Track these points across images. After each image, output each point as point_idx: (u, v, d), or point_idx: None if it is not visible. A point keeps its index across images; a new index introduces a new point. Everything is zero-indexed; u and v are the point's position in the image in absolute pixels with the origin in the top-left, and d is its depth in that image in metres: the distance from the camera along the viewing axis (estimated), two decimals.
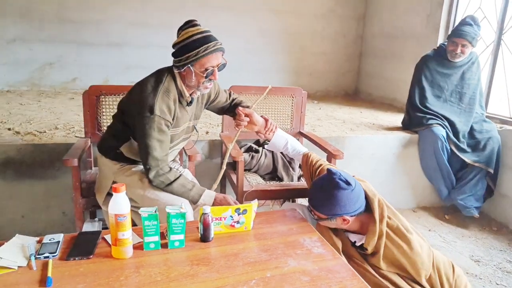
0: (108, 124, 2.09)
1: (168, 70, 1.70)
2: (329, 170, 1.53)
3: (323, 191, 1.50)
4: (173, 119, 1.69)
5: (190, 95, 1.74)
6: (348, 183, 1.47)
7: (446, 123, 3.02)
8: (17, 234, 1.33)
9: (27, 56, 4.27)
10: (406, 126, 3.31)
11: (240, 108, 1.87)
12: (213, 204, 1.69)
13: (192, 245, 1.37)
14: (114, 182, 1.78)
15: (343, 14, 5.16)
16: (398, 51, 4.58)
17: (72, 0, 4.25)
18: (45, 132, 2.67)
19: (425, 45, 4.00)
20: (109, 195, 1.80)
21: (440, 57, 3.10)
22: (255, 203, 1.48)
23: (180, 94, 1.70)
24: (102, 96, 2.21)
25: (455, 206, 3.10)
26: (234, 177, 2.24)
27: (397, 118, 3.80)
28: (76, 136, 2.59)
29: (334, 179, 1.48)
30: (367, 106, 4.60)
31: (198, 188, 1.71)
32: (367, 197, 1.53)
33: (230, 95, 2.05)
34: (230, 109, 2.04)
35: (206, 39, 1.59)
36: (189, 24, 1.63)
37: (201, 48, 1.58)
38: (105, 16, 4.38)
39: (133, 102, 1.66)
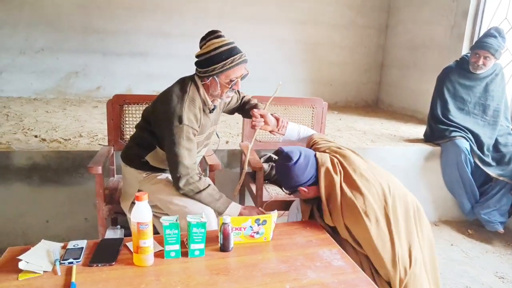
0: (131, 132, 2.13)
1: (191, 79, 1.73)
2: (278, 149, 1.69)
3: (277, 170, 1.69)
4: (198, 127, 1.72)
5: (212, 102, 1.77)
6: (289, 158, 1.60)
7: (470, 136, 2.96)
8: (42, 240, 1.37)
9: (53, 65, 4.41)
10: (428, 138, 3.25)
11: (254, 110, 1.86)
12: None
13: (211, 255, 1.37)
14: (139, 191, 1.81)
15: (363, 25, 5.14)
16: (421, 62, 4.52)
17: (97, 11, 4.39)
18: (69, 139, 2.75)
19: (449, 56, 3.94)
20: (134, 203, 1.83)
21: (463, 69, 3.05)
22: (274, 214, 1.48)
23: (204, 103, 1.73)
24: (126, 105, 2.26)
25: (478, 220, 3.02)
26: (253, 187, 2.24)
27: (419, 130, 3.75)
28: (99, 144, 2.66)
29: (280, 157, 1.66)
30: (388, 117, 4.55)
31: (225, 200, 1.73)
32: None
33: (239, 94, 2.07)
34: (241, 108, 2.07)
35: (232, 51, 1.62)
36: (214, 35, 1.64)
37: (228, 60, 1.61)
38: (129, 26, 4.49)
39: (159, 112, 1.69)
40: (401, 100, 4.91)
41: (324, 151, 1.73)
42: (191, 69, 1.76)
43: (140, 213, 1.26)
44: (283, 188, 1.72)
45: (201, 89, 1.71)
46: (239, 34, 4.76)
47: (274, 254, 1.40)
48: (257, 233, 1.46)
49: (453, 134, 2.98)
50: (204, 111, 1.74)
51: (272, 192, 2.25)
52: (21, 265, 1.20)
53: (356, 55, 5.23)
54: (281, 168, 1.65)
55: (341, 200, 1.54)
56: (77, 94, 4.55)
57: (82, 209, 2.50)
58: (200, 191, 1.68)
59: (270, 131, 1.92)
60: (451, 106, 3.08)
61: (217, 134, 1.97)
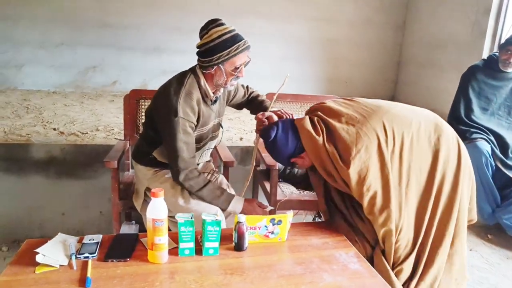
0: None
1: (190, 71, 1.73)
2: None
3: (266, 150, 1.65)
4: (198, 120, 1.71)
5: (214, 93, 1.76)
6: (267, 136, 1.57)
7: (492, 138, 2.87)
8: (59, 233, 1.38)
9: (72, 59, 4.47)
10: None
11: (259, 115, 1.80)
12: (241, 212, 1.70)
13: (226, 254, 1.36)
14: (148, 188, 1.83)
15: (381, 22, 5.06)
16: (440, 60, 4.42)
17: (114, 6, 4.42)
18: (87, 133, 2.78)
19: (470, 54, 3.84)
20: (145, 201, 1.86)
21: (490, 68, 2.96)
22: (290, 214, 1.45)
23: (205, 94, 1.73)
24: (142, 100, 2.27)
25: (498, 225, 2.93)
26: (267, 185, 2.23)
27: None
28: (115, 138, 2.67)
29: (261, 137, 1.65)
30: None
31: (227, 195, 1.72)
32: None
33: (247, 89, 2.06)
34: (249, 103, 2.05)
35: (236, 38, 1.63)
36: (215, 23, 1.64)
37: (233, 47, 1.61)
38: (145, 21, 4.52)
39: (157, 107, 1.71)
40: (418, 99, 4.82)
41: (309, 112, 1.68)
42: None
43: (156, 210, 1.25)
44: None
45: (202, 80, 1.70)
46: (254, 31, 4.75)
47: (290, 255, 1.38)
48: (272, 233, 1.44)
49: (474, 136, 2.90)
50: (206, 102, 1.74)
51: (287, 191, 2.23)
52: (38, 258, 1.21)
53: (372, 53, 5.15)
54: (267, 147, 1.63)
55: (329, 157, 1.48)
56: (94, 88, 4.60)
57: (97, 202, 2.52)
58: (201, 188, 1.67)
59: None
60: (475, 106, 2.99)
61: (221, 125, 1.96)
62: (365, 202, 1.44)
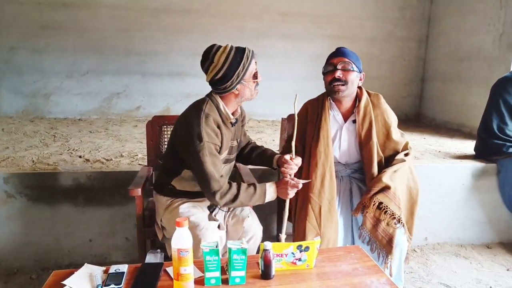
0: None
1: (208, 98, 1.76)
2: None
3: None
4: (222, 143, 1.72)
5: (233, 114, 1.79)
6: None
7: None
8: (85, 264, 1.38)
9: (97, 86, 4.61)
10: (481, 154, 3.05)
11: (286, 161, 1.78)
12: (278, 193, 1.73)
13: (252, 282, 1.32)
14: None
15: (403, 37, 5.02)
16: (466, 73, 4.32)
17: (139, 33, 4.56)
18: (111, 159, 2.82)
19: (497, 67, 3.74)
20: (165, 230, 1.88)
21: None
22: (317, 240, 1.41)
23: (225, 118, 1.75)
24: (165, 126, 2.29)
25: None
26: None
27: (466, 145, 3.55)
28: (139, 164, 2.70)
29: None
30: (430, 132, 4.36)
31: (260, 189, 1.72)
32: None
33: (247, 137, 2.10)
34: (246, 154, 2.05)
35: (240, 50, 1.69)
36: (214, 49, 1.69)
37: (244, 59, 1.66)
38: (168, 47, 4.63)
39: (180, 136, 1.72)
40: (445, 114, 4.70)
41: None
42: None
43: (181, 239, 1.24)
44: (351, 67, 2.13)
45: (221, 105, 1.74)
46: (277, 52, 4.80)
47: (319, 283, 1.33)
48: (300, 260, 1.40)
49: (511, 150, 2.78)
50: (226, 125, 1.76)
51: None
52: None
53: (394, 68, 5.10)
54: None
55: None
56: (118, 114, 4.71)
57: (123, 228, 2.53)
58: (237, 195, 1.67)
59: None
60: (508, 119, 2.88)
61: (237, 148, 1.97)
62: None
